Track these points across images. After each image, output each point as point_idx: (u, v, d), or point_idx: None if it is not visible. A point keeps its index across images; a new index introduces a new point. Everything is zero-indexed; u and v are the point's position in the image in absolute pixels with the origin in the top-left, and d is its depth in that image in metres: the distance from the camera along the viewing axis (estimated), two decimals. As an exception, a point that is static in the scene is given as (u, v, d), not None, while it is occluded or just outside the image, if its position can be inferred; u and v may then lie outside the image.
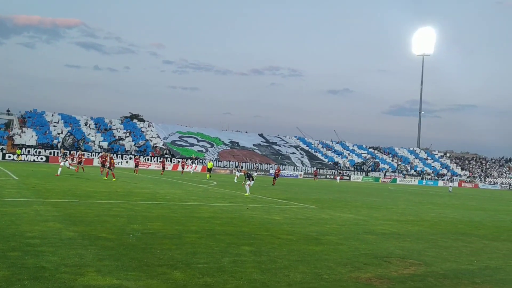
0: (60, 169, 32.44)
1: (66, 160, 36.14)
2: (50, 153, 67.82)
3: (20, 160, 62.28)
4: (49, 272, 6.74)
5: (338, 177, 78.07)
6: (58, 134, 75.29)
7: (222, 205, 19.02)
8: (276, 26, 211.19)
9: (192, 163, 65.66)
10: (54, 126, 78.75)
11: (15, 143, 68.13)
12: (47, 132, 74.75)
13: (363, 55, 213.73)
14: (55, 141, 72.02)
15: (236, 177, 45.15)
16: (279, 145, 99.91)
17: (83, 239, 9.40)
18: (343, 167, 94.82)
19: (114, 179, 29.82)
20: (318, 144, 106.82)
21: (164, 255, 8.44)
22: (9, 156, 62.26)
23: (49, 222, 11.25)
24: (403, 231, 14.31)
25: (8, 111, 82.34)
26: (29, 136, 71.33)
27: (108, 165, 31.42)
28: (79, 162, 40.85)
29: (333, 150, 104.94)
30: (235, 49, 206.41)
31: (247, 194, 26.79)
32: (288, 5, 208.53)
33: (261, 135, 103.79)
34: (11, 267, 6.85)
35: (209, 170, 44.73)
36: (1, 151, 64.18)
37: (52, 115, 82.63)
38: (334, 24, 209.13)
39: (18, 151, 64.62)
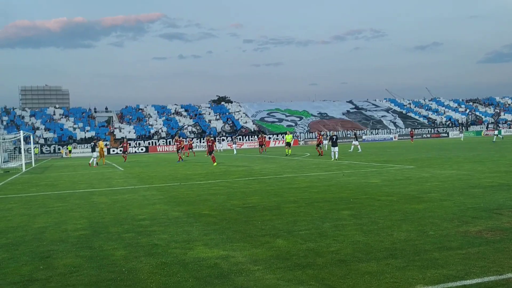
0: (93, 159, 33.75)
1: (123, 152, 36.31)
2: (149, 143, 71.63)
3: (71, 156, 63.38)
4: (161, 248, 7.19)
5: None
6: (153, 125, 79.24)
7: (317, 174, 19.01)
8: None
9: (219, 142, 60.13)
10: (149, 117, 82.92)
11: (116, 138, 72.71)
12: (144, 124, 78.97)
13: (450, 3, 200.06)
14: (152, 132, 75.91)
15: (325, 146, 44.73)
16: (369, 110, 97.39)
17: (188, 217, 9.88)
18: (439, 124, 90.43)
19: (215, 164, 27.40)
20: (410, 104, 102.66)
21: (266, 225, 8.63)
22: (113, 151, 66.52)
23: (156, 204, 11.95)
24: (513, 182, 13.42)
25: (106, 108, 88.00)
26: (128, 130, 75.80)
27: (208, 148, 30.24)
28: (124, 151, 39.56)
29: (427, 108, 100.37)
30: (313, 18, 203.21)
31: (332, 159, 26.99)
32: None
33: (349, 101, 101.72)
34: (127, 247, 7.38)
35: (288, 144, 37.54)
36: (106, 146, 68.82)
37: (146, 107, 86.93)
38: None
39: (70, 147, 67.02)
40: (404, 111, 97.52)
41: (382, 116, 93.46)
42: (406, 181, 14.92)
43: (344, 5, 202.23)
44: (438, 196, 11.35)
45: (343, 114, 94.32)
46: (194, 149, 46.26)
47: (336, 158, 27.62)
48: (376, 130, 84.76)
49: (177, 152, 35.99)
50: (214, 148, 31.16)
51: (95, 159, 33.87)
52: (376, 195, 11.85)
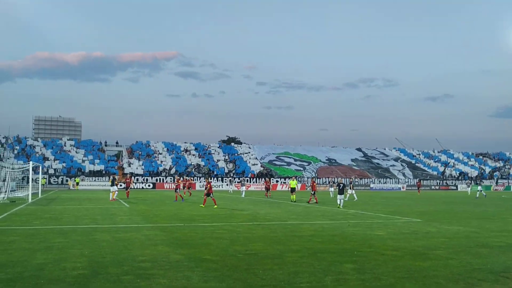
0: (111, 194, 34.35)
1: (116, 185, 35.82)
2: (157, 180, 71.67)
3: (78, 189, 63.31)
4: (159, 294, 7.08)
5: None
6: (163, 161, 79.49)
7: (322, 222, 18.83)
8: (366, 36, 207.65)
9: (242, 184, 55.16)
10: (159, 154, 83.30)
11: (124, 172, 72.91)
12: (152, 161, 79.26)
13: (463, 56, 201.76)
14: (160, 169, 76.07)
15: (331, 193, 44.54)
16: (378, 158, 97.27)
17: (189, 261, 9.77)
18: (448, 176, 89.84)
19: (215, 206, 26.79)
20: (420, 155, 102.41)
21: (267, 275, 8.50)
22: (121, 185, 66.49)
23: (158, 246, 11.85)
24: (521, 243, 13.18)
25: (117, 142, 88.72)
26: (136, 165, 76.06)
27: (206, 191, 28.45)
28: (126, 187, 39.64)
29: (437, 160, 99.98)
30: (326, 64, 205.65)
31: (338, 205, 27.05)
32: (375, 14, 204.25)
33: (359, 149, 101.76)
34: (125, 290, 7.28)
35: (293, 190, 36.02)
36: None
37: (156, 143, 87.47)
38: (428, 26, 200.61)
39: (77, 180, 66.90)
40: (413, 161, 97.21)
41: (391, 166, 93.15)
42: (412, 235, 14.71)
43: (357, 53, 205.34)
44: (444, 253, 11.15)
45: (352, 161, 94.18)
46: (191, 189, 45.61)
47: (340, 206, 27.53)
48: (384, 179, 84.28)
49: (175, 191, 35.86)
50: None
51: (115, 192, 34.48)
52: (381, 249, 11.67)
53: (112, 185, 34.98)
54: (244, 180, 59.70)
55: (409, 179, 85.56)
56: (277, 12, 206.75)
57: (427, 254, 10.99)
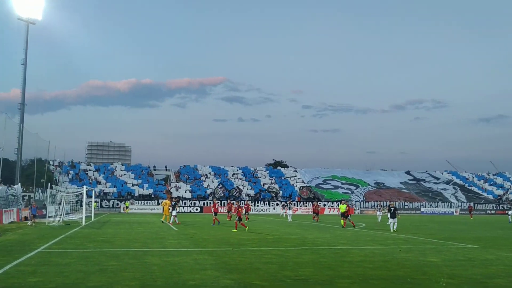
0: (173, 217, 34.94)
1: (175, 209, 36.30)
2: (204, 203, 72.31)
3: (128, 212, 64.53)
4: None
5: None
6: (209, 185, 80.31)
7: (373, 247, 18.38)
8: (414, 56, 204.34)
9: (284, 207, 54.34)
10: (206, 178, 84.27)
11: (172, 196, 74.07)
12: (200, 184, 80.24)
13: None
14: (208, 192, 76.82)
15: (378, 217, 43.50)
16: (428, 182, 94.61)
17: (239, 286, 9.74)
18: (505, 200, 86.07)
19: (234, 230, 26.88)
20: (474, 178, 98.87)
21: (318, 302, 8.35)
22: (169, 209, 67.48)
23: (207, 270, 11.89)
24: None
25: (166, 167, 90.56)
26: (184, 189, 77.16)
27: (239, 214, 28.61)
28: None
29: (492, 183, 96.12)
30: (373, 87, 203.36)
31: (393, 230, 26.80)
32: (423, 33, 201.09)
33: (407, 172, 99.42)
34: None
35: (343, 214, 33.46)
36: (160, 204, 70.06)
37: (203, 168, 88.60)
38: (479, 44, 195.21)
39: (127, 203, 68.39)
40: (466, 185, 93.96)
41: (442, 189, 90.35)
42: (469, 262, 14.12)
43: (405, 74, 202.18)
44: (505, 282, 10.63)
45: (401, 183, 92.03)
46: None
47: (395, 229, 27.39)
48: (436, 203, 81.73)
49: (214, 215, 35.68)
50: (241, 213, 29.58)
51: (174, 217, 35.09)
52: (436, 277, 11.25)
53: (173, 209, 35.98)
54: (291, 203, 59.25)
55: (462, 203, 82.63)
56: (322, 36, 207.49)
57: (486, 283, 10.50)
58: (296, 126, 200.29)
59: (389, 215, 28.46)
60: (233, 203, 37.89)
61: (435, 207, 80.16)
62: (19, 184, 40.48)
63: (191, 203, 72.03)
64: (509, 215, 45.93)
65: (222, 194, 75.03)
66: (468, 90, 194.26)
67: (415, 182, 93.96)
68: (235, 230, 26.94)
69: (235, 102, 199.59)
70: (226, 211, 44.06)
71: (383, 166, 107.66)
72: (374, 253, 16.40)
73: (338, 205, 66.46)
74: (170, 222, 34.80)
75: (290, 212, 44.18)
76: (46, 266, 12.26)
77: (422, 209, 78.58)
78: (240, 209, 28.60)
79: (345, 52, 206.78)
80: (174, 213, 35.62)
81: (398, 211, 37.95)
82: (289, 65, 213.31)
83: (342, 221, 33.22)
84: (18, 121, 42.27)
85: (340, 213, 35.00)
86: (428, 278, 11.05)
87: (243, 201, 63.11)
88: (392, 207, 28.72)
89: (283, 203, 66.61)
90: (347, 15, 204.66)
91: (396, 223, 27.93)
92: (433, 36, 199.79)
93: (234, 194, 75.48)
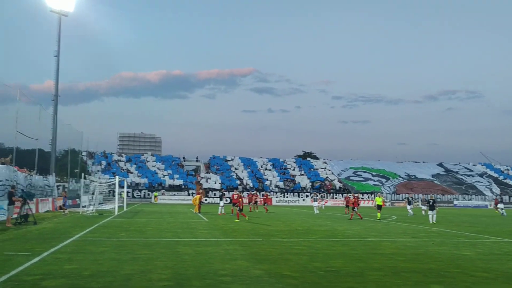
0: (220, 208, 35.60)
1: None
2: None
3: (157, 202, 66.05)
4: (241, 308, 7.13)
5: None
6: (239, 176, 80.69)
7: (404, 240, 18.16)
8: (447, 46, 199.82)
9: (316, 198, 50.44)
10: (236, 169, 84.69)
11: (203, 187, 74.77)
12: (229, 176, 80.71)
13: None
14: (238, 183, 77.24)
15: (423, 211, 42.68)
16: (462, 174, 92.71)
17: (269, 277, 9.78)
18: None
19: (243, 218, 28.32)
20: (509, 170, 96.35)
21: (349, 293, 8.31)
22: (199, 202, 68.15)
23: (238, 260, 11.97)
24: None
25: (197, 158, 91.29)
26: (214, 180, 77.75)
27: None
28: (199, 202, 38.58)
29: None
30: (404, 77, 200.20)
31: (431, 222, 28.22)
32: (456, 22, 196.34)
33: (440, 164, 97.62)
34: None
35: (379, 207, 33.45)
36: (192, 195, 70.81)
37: (233, 159, 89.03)
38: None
39: (156, 193, 69.88)
40: (501, 177, 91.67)
41: (476, 182, 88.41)
42: (505, 256, 13.80)
43: (437, 65, 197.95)
44: (542, 277, 10.34)
45: (433, 176, 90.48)
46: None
47: (434, 221, 28.42)
48: (469, 196, 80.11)
49: (233, 205, 32.32)
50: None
51: (222, 207, 35.68)
52: (470, 270, 11.05)
53: (221, 200, 37.05)
54: (317, 195, 58.25)
55: (496, 196, 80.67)
56: (352, 26, 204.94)
57: (522, 277, 10.25)
58: (325, 117, 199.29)
59: (428, 207, 29.81)
60: (239, 193, 36.56)
61: (469, 200, 78.58)
62: (54, 174, 41.47)
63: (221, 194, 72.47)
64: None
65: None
66: (503, 80, 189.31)
67: (447, 174, 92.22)
68: (237, 220, 27.59)
69: (265, 93, 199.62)
70: (247, 202, 44.23)
71: (413, 158, 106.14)
72: (406, 245, 16.20)
73: (369, 197, 65.81)
74: (219, 213, 35.03)
75: (316, 204, 43.67)
76: (81, 254, 12.57)
77: (455, 202, 77.16)
78: (241, 199, 29.06)
79: (376, 42, 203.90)
80: (221, 203, 36.21)
81: (437, 204, 37.56)
82: (319, 55, 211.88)
83: (379, 214, 32.77)
84: (52, 112, 43.21)
85: (376, 205, 34.46)
86: (462, 271, 10.85)
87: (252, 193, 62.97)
88: (431, 199, 30.44)
89: (312, 194, 66.37)
90: (379, 4, 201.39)
91: (435, 215, 29.04)
92: (467, 25, 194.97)
93: (236, 186, 75.67)
